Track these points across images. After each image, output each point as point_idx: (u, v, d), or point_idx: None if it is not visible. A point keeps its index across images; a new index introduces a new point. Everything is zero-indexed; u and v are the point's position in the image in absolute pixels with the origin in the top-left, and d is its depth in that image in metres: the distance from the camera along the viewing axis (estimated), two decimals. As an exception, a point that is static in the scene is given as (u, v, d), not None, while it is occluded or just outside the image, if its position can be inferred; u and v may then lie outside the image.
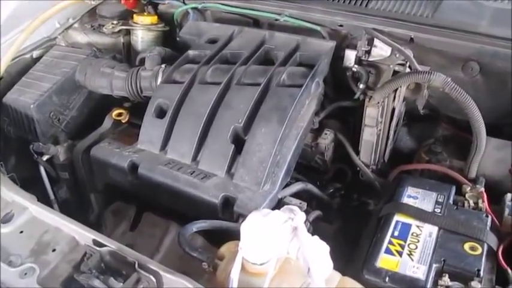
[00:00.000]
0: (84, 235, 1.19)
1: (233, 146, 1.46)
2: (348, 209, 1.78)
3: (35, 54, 2.00)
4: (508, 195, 1.39)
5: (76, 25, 2.15)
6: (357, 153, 1.69)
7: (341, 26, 1.72)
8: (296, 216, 0.98)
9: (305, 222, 1.01)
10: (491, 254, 1.21)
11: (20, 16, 1.75)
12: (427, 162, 1.63)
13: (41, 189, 1.80)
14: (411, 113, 1.81)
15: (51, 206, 1.71)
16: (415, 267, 1.15)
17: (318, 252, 0.95)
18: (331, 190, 1.74)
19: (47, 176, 1.79)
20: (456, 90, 1.41)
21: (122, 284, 1.06)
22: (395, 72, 1.61)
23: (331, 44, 1.66)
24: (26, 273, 1.12)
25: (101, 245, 1.13)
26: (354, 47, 1.67)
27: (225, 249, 1.18)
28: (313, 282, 0.91)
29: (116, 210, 1.76)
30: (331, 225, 1.60)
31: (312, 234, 1.02)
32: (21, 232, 1.25)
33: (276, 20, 1.83)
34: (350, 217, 1.72)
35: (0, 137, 1.84)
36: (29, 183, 1.65)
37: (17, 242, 1.21)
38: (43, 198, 1.68)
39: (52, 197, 1.80)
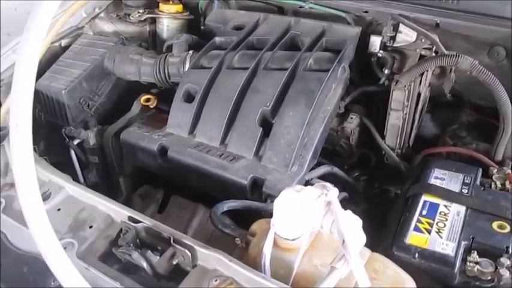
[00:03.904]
0: (120, 212, 1.22)
1: (261, 128, 1.48)
2: (370, 195, 1.80)
3: (64, 43, 2.04)
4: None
5: (102, 14, 2.19)
6: (382, 137, 1.70)
7: (366, 12, 1.74)
8: (329, 191, 1.00)
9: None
10: (520, 232, 1.23)
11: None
12: (453, 146, 1.64)
13: (70, 173, 1.85)
14: (435, 100, 1.82)
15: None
16: (444, 244, 1.17)
17: (352, 225, 0.97)
18: (356, 174, 1.76)
19: (77, 160, 1.84)
20: (484, 73, 1.42)
21: (158, 257, 1.10)
22: (421, 57, 1.63)
23: (356, 30, 1.68)
24: (65, 248, 1.15)
25: (136, 221, 1.15)
26: (379, 32, 1.68)
27: (256, 226, 1.21)
28: (348, 254, 0.93)
29: (144, 193, 1.81)
30: (357, 207, 1.62)
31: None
32: (59, 210, 1.28)
33: (301, 7, 1.86)
34: (373, 202, 1.74)
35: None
36: (58, 168, 1.69)
37: (55, 219, 1.22)
38: (73, 182, 1.73)
39: (82, 180, 1.85)
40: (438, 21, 1.63)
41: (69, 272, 0.80)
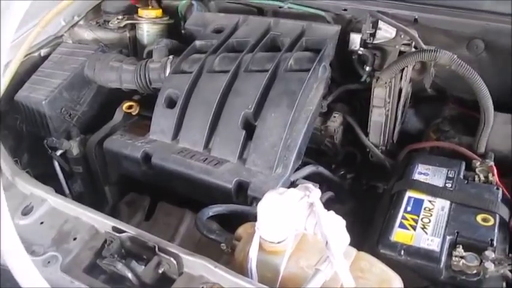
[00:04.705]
0: (104, 223, 1.20)
1: (244, 131, 1.48)
2: (357, 192, 1.80)
3: (43, 52, 2.01)
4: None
5: (81, 22, 2.17)
6: (366, 135, 1.71)
7: (345, 10, 1.74)
8: (312, 192, 1.00)
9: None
10: (504, 224, 1.23)
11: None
12: (436, 141, 1.64)
13: (55, 185, 1.82)
14: (417, 95, 1.83)
15: (67, 200, 1.74)
16: (430, 240, 1.17)
17: (335, 225, 0.97)
18: (342, 172, 1.76)
19: (61, 171, 1.82)
20: (463, 66, 1.43)
21: (143, 267, 1.09)
22: (401, 53, 1.63)
23: (336, 28, 1.68)
24: (49, 262, 1.14)
25: (121, 231, 1.14)
26: (358, 30, 1.69)
27: (241, 230, 1.20)
28: (331, 255, 0.93)
29: (130, 201, 1.79)
30: (343, 206, 1.62)
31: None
32: (42, 223, 1.26)
33: (280, 7, 1.86)
34: (360, 199, 1.74)
35: (12, 135, 1.86)
36: (43, 179, 1.67)
37: (38, 233, 1.23)
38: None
39: (67, 191, 1.83)
40: (416, 17, 1.63)
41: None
